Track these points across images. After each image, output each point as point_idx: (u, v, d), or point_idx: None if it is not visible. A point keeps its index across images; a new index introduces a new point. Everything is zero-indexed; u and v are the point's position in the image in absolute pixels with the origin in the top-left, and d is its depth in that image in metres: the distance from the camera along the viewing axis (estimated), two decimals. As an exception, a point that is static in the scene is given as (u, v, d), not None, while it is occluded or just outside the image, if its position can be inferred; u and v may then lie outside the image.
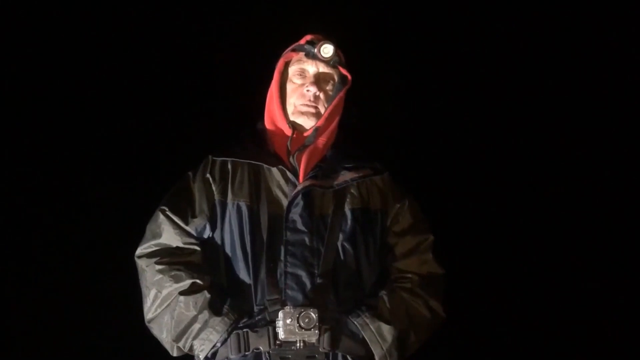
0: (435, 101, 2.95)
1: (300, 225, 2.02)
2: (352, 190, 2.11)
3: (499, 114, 2.97)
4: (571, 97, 3.00)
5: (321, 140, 2.13)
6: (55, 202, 2.74)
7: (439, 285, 2.11)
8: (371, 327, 1.95)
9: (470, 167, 2.94)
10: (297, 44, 2.17)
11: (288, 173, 2.08)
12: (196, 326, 1.94)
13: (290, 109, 2.14)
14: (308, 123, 2.12)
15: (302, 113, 2.11)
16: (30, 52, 2.78)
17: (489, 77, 2.97)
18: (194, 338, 1.94)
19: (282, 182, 2.08)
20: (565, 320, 2.91)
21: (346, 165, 2.13)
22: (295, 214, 2.03)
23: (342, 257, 2.03)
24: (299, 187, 2.05)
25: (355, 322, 1.95)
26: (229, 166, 2.12)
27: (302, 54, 2.14)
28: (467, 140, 2.96)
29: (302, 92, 2.12)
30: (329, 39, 2.12)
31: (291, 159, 2.10)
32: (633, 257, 2.93)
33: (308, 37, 2.15)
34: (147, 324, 2.03)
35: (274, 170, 2.09)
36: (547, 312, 2.91)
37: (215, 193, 2.08)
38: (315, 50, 2.09)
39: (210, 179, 2.10)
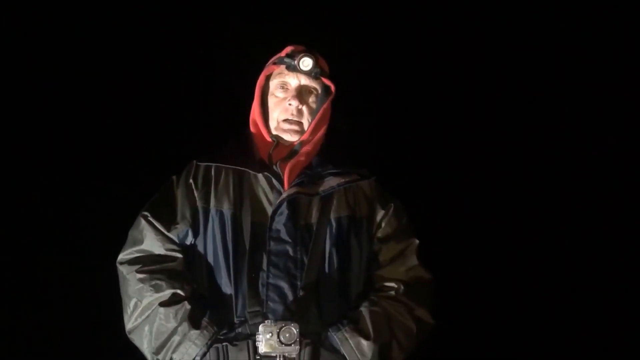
0: (423, 105, 2.93)
1: (284, 235, 1.99)
2: (338, 197, 2.06)
3: (485, 119, 2.95)
4: (555, 104, 2.98)
5: (306, 149, 2.09)
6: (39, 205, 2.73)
7: (426, 291, 2.06)
8: (350, 342, 1.91)
9: (459, 171, 2.92)
10: (277, 56, 2.12)
11: (274, 180, 2.03)
12: (176, 339, 1.91)
13: (272, 124, 2.10)
14: (292, 138, 2.09)
15: (285, 130, 2.08)
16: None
17: (473, 82, 2.95)
18: (174, 351, 1.91)
19: (267, 189, 2.04)
20: (557, 322, 2.90)
21: (332, 171, 2.08)
22: (279, 223, 1.99)
23: (326, 268, 2.00)
24: (284, 195, 2.01)
25: (335, 336, 1.92)
26: (213, 172, 2.08)
27: (283, 66, 2.09)
28: (455, 144, 2.94)
29: (284, 106, 2.08)
30: (309, 50, 2.07)
31: (275, 167, 2.06)
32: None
33: (289, 49, 2.10)
34: (127, 334, 2.00)
35: (260, 176, 2.05)
36: (538, 315, 2.89)
37: (197, 199, 2.05)
38: (296, 62, 2.04)
39: (193, 185, 2.07)
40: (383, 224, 2.09)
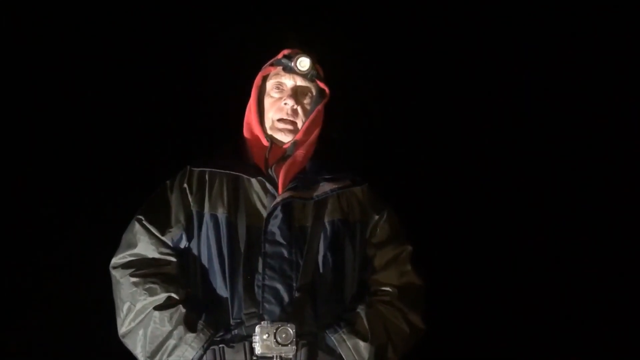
0: (414, 111, 2.95)
1: (279, 238, 2.00)
2: (332, 202, 2.09)
3: (476, 126, 2.97)
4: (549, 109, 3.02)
5: (300, 153, 2.11)
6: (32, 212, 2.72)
7: (418, 297, 2.09)
8: (348, 343, 1.92)
9: (450, 177, 2.94)
10: (274, 58, 2.15)
11: (267, 184, 2.05)
12: (171, 342, 1.90)
13: (268, 123, 2.12)
14: (286, 138, 2.11)
15: (280, 129, 2.10)
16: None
17: (464, 89, 2.98)
18: (169, 355, 1.90)
19: (261, 193, 2.06)
20: (549, 327, 2.91)
21: (326, 177, 2.11)
22: (274, 226, 2.01)
23: (321, 269, 2.01)
24: (278, 199, 2.03)
25: (333, 338, 1.93)
26: (207, 176, 2.09)
27: (279, 67, 2.12)
28: (447, 151, 2.96)
29: (279, 105, 2.10)
30: (306, 53, 2.10)
31: (270, 170, 2.08)
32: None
33: (286, 52, 2.13)
34: (120, 338, 1.99)
35: (254, 181, 2.07)
36: (530, 320, 2.89)
37: (191, 203, 2.06)
38: (292, 63, 2.07)
39: (187, 189, 2.08)
40: (377, 230, 2.11)
